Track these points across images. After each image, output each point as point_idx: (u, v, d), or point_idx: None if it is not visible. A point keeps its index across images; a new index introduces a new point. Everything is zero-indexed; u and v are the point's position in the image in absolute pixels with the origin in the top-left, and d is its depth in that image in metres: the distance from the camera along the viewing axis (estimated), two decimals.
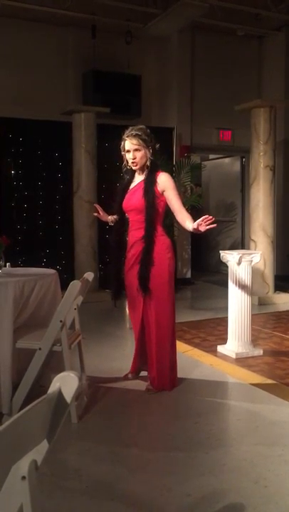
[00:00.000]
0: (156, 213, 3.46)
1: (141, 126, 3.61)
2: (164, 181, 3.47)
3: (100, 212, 3.87)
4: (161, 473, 2.55)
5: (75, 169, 7.11)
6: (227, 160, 9.64)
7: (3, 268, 3.57)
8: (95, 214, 3.90)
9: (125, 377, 3.84)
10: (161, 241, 3.50)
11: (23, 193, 7.38)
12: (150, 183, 3.48)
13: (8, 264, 3.68)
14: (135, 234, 3.55)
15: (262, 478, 2.46)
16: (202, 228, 3.26)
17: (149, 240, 3.46)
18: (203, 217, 3.25)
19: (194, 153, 8.61)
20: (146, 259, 3.46)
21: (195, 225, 3.28)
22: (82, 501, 2.32)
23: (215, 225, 3.25)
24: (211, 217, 3.23)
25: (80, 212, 7.10)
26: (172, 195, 3.47)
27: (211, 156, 9.97)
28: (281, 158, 8.29)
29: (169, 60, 8.35)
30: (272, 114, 6.78)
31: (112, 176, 7.68)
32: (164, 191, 3.47)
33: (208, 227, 3.25)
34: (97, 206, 3.89)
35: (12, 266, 3.78)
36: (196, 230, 3.30)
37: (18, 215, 7.38)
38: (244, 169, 9.11)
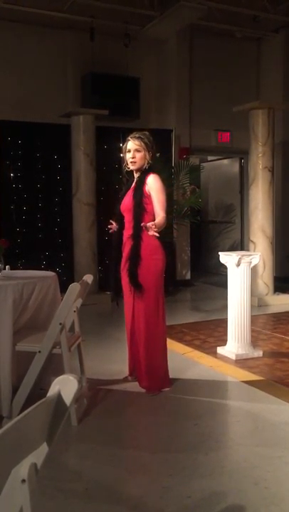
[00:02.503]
0: (144, 212, 3.53)
1: (145, 132, 3.74)
2: (150, 182, 3.57)
3: (114, 225, 3.79)
4: (161, 475, 2.55)
5: (74, 172, 7.12)
6: (226, 161, 9.65)
7: (3, 271, 3.57)
8: (109, 227, 3.79)
9: (125, 379, 3.85)
10: (147, 242, 3.52)
11: (23, 196, 7.38)
12: (140, 183, 3.59)
13: (7, 266, 3.68)
14: (126, 233, 3.63)
15: (262, 479, 2.45)
16: (149, 232, 3.31)
17: (136, 238, 3.53)
18: (152, 223, 3.30)
19: (193, 155, 8.62)
20: (134, 257, 3.53)
21: (146, 225, 3.30)
22: (83, 504, 2.32)
23: (157, 234, 3.35)
24: (154, 227, 3.28)
25: (80, 215, 7.11)
26: (155, 197, 3.54)
27: (210, 158, 9.98)
28: (280, 160, 8.30)
29: (167, 62, 8.37)
30: (270, 116, 6.79)
31: (111, 178, 7.72)
32: (150, 191, 3.55)
33: (152, 233, 3.30)
34: (112, 222, 3.80)
35: (11, 269, 3.78)
36: (145, 228, 3.33)
37: (17, 217, 7.38)
38: (243, 170, 9.12)
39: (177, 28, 7.60)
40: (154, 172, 3.63)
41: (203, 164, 9.59)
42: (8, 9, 6.79)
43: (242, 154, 8.76)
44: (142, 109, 7.98)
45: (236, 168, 9.39)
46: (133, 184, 3.67)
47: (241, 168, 9.23)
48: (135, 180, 3.66)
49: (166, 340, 3.73)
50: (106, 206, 7.59)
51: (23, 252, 7.23)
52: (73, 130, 7.05)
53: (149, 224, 3.31)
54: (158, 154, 3.72)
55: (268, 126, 6.78)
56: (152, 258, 3.55)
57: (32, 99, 7.45)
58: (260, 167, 6.79)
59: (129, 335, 3.77)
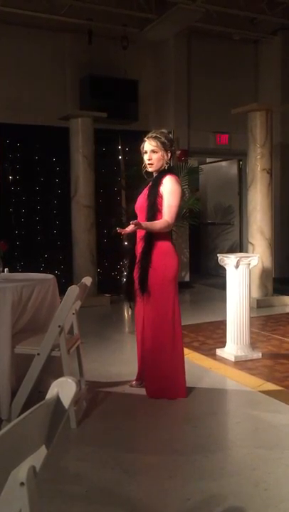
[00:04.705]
0: (158, 213, 3.41)
1: (163, 130, 3.59)
2: (165, 183, 3.43)
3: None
4: (161, 477, 2.55)
5: (72, 174, 7.12)
6: (224, 163, 9.66)
7: (2, 273, 3.57)
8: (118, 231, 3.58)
9: (130, 385, 3.77)
10: (160, 244, 3.44)
11: (21, 198, 7.39)
12: (155, 183, 3.47)
13: (6, 269, 3.68)
14: (139, 234, 3.52)
15: (262, 481, 2.45)
16: (128, 228, 3.43)
17: (148, 239, 3.41)
18: (136, 221, 3.30)
19: (192, 157, 8.63)
20: (144, 260, 3.42)
21: (134, 222, 3.29)
22: (82, 506, 2.31)
23: (128, 231, 3.46)
24: (134, 226, 3.32)
25: (78, 217, 7.11)
26: (166, 198, 3.41)
27: (209, 160, 9.99)
28: (278, 161, 8.31)
29: (165, 65, 8.38)
30: (268, 118, 6.81)
31: (109, 181, 7.73)
32: (163, 192, 3.43)
33: (127, 230, 3.44)
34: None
35: (10, 271, 3.78)
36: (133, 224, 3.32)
37: (16, 220, 7.39)
38: (241, 172, 9.13)
39: (175, 30, 7.62)
40: (172, 173, 3.49)
41: (202, 166, 9.60)
42: (7, 12, 6.80)
43: (240, 156, 8.77)
44: (140, 112, 7.99)
45: (235, 170, 9.40)
46: (149, 184, 3.55)
47: (240, 170, 9.24)
48: (152, 180, 3.54)
49: (180, 354, 3.52)
50: (105, 208, 7.62)
51: (22, 254, 7.24)
52: (72, 133, 7.06)
53: (134, 221, 3.25)
54: (178, 152, 3.60)
55: (266, 128, 6.80)
56: (163, 263, 3.41)
57: (30, 102, 7.46)
58: (259, 169, 6.81)
59: (138, 339, 3.67)
